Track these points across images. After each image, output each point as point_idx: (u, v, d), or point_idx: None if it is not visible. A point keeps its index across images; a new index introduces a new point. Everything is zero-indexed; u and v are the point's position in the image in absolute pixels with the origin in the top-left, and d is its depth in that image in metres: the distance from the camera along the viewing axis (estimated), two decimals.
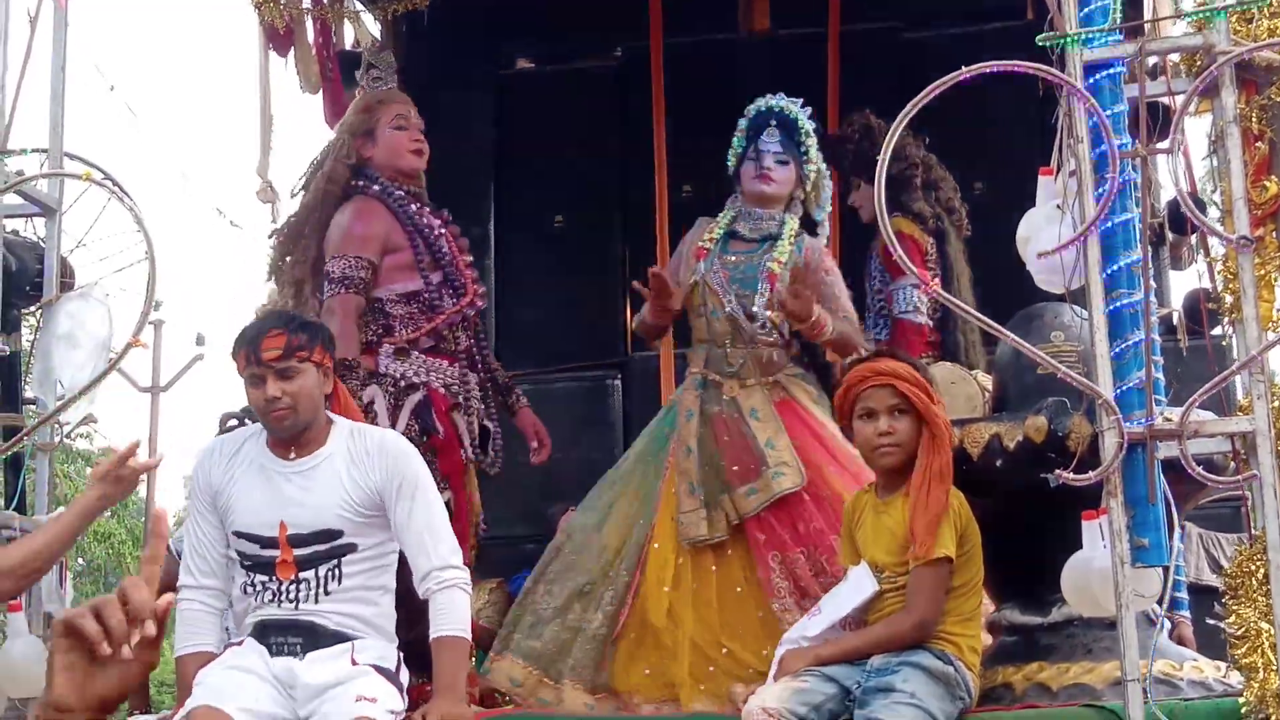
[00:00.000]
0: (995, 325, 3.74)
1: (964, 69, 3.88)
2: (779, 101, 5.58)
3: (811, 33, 8.11)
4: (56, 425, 4.76)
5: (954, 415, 4.60)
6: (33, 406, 4.92)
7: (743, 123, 5.59)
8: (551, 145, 8.36)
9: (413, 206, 5.84)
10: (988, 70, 3.87)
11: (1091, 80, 3.91)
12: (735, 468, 5.15)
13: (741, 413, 5.23)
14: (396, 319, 5.73)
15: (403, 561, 4.39)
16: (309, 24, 7.31)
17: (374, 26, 8.25)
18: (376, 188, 5.87)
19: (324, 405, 4.40)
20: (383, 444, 4.38)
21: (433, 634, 4.25)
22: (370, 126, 5.84)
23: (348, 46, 7.95)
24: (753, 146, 5.50)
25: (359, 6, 8.05)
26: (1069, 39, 3.88)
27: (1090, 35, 3.90)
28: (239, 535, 4.34)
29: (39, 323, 4.94)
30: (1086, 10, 3.93)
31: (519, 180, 8.41)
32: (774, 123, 5.52)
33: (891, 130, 3.86)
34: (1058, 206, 4.04)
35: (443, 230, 5.83)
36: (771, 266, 5.37)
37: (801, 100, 5.67)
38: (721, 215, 5.57)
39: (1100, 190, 3.80)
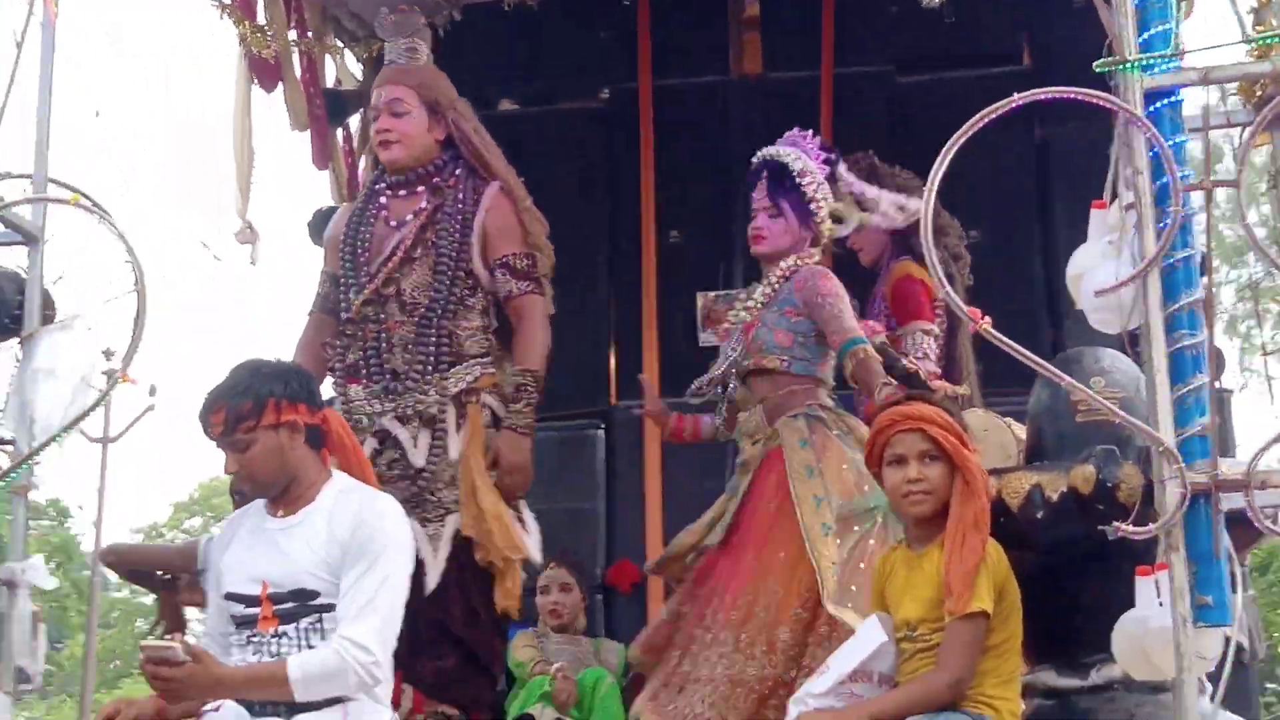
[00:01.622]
0: (1052, 369, 3.51)
1: (1016, 96, 3.67)
2: (767, 150, 5.37)
3: (803, 76, 7.94)
4: (34, 465, 4.47)
5: (988, 465, 4.35)
6: (9, 447, 4.60)
7: None
8: (536, 187, 8.09)
9: (382, 200, 5.42)
10: (1042, 97, 3.65)
11: (1151, 109, 3.69)
12: None
13: None
14: None
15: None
16: (296, 58, 7.07)
17: (356, 67, 8.06)
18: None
19: (304, 461, 4.16)
20: (361, 505, 4.12)
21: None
22: None
23: (329, 84, 7.73)
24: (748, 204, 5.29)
25: (340, 43, 7.85)
26: (1130, 65, 3.66)
27: (1151, 61, 3.68)
28: (228, 598, 4.14)
29: (18, 357, 4.64)
30: (1146, 36, 3.72)
31: None
32: (765, 173, 5.31)
33: (941, 156, 3.65)
34: (1110, 242, 3.83)
35: (398, 225, 5.33)
36: (744, 315, 5.33)
37: (796, 134, 5.47)
38: None
39: (1162, 224, 3.58)
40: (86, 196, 4.42)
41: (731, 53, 8.11)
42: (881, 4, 7.90)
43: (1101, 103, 3.67)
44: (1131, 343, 3.80)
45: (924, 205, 3.65)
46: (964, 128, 3.71)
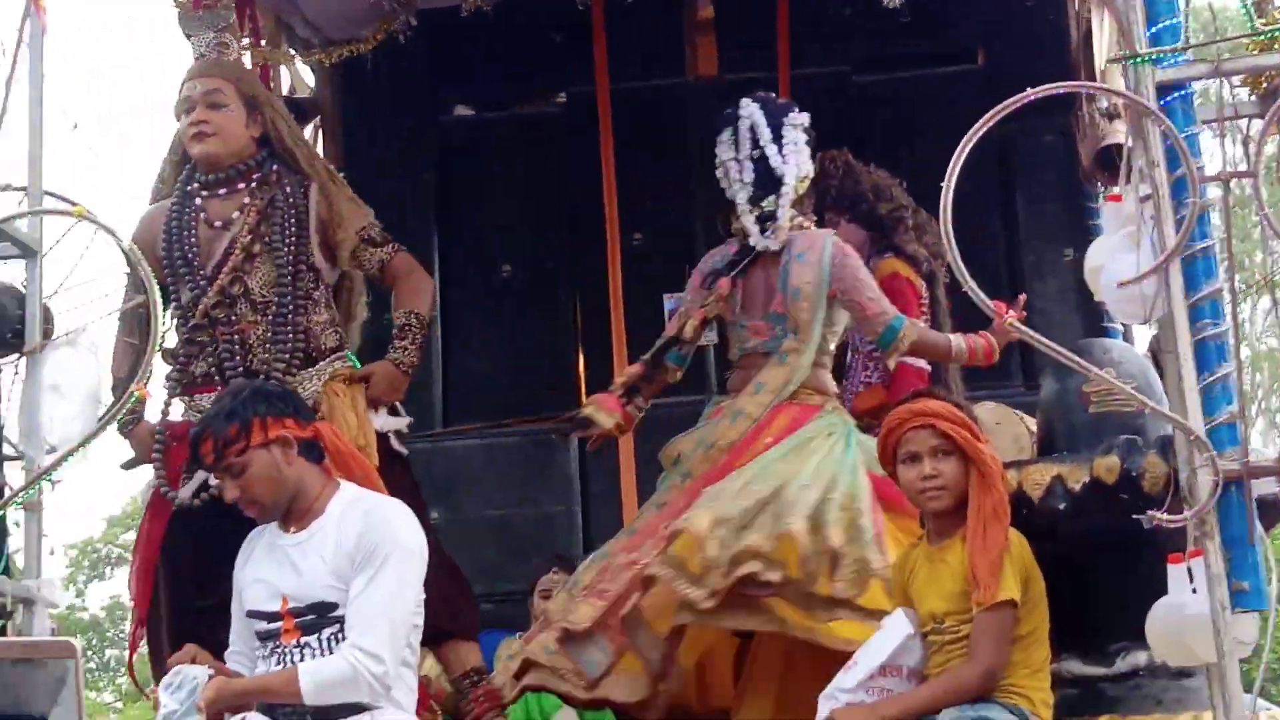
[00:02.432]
0: (1081, 361, 3.55)
1: (1029, 90, 3.71)
2: None
3: (760, 77, 7.91)
4: (47, 484, 4.38)
5: (1002, 457, 4.38)
6: (19, 462, 4.51)
7: None
8: (496, 193, 8.11)
9: (197, 201, 5.08)
10: (1055, 91, 3.69)
11: (1164, 101, 3.73)
12: None
13: None
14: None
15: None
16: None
17: (309, 76, 8.02)
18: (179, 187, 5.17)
19: (305, 475, 4.14)
20: (368, 513, 4.10)
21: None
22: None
23: (284, 93, 7.66)
24: None
25: (294, 51, 7.79)
26: (1141, 59, 3.71)
27: (1161, 55, 3.73)
28: (250, 615, 4.16)
29: (18, 372, 4.54)
30: (1154, 29, 3.77)
31: (463, 229, 8.12)
32: None
33: (958, 152, 3.70)
34: (1128, 234, 3.86)
35: (224, 226, 5.01)
36: None
37: None
38: None
39: (1180, 215, 3.63)
40: (86, 209, 4.34)
41: (687, 55, 8.10)
42: (836, 5, 7.95)
43: (1116, 97, 3.72)
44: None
45: (943, 202, 3.67)
46: (978, 124, 3.77)
